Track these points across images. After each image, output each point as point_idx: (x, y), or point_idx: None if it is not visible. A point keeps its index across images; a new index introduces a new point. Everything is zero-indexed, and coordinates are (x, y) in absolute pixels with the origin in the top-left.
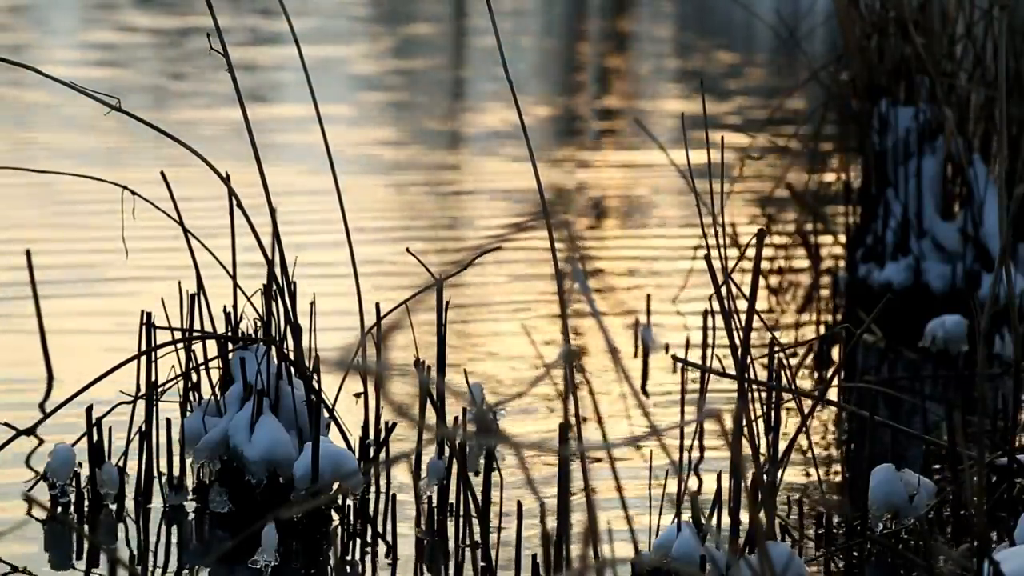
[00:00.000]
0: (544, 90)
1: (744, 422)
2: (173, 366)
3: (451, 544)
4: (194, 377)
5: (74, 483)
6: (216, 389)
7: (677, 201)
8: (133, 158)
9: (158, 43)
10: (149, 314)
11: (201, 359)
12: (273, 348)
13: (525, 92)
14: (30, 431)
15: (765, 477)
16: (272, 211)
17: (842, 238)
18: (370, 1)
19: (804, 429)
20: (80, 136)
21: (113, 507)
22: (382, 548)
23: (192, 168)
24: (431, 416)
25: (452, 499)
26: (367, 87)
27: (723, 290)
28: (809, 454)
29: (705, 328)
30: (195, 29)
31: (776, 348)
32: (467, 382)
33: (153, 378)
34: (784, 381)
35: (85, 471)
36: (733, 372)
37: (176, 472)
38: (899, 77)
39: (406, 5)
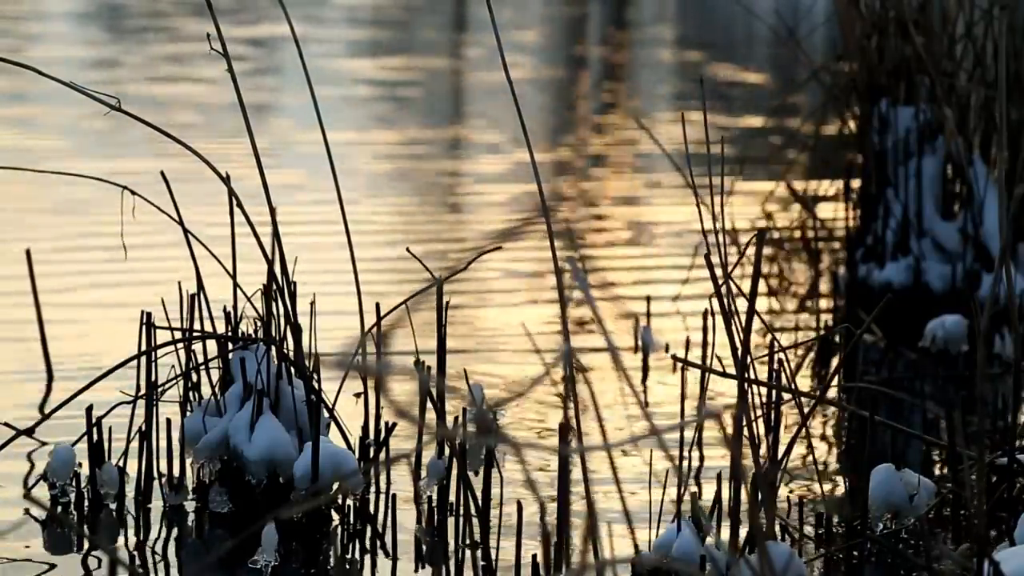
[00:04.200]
0: (548, 92)
1: (744, 422)
2: (173, 366)
3: (451, 544)
4: (194, 377)
5: (74, 483)
6: (216, 389)
7: (677, 201)
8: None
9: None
10: (149, 314)
11: (201, 359)
12: (273, 348)
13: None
14: (30, 431)
15: (765, 477)
16: (272, 211)
17: (842, 237)
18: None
19: (804, 429)
20: (82, 136)
21: (113, 507)
22: (382, 548)
23: (196, 166)
24: (431, 416)
25: (452, 499)
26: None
27: (723, 290)
28: (809, 454)
29: (705, 328)
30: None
31: (776, 348)
32: (467, 382)
33: (153, 378)
34: (784, 381)
35: (85, 471)
36: (733, 372)
37: (176, 472)
38: (899, 77)
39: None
